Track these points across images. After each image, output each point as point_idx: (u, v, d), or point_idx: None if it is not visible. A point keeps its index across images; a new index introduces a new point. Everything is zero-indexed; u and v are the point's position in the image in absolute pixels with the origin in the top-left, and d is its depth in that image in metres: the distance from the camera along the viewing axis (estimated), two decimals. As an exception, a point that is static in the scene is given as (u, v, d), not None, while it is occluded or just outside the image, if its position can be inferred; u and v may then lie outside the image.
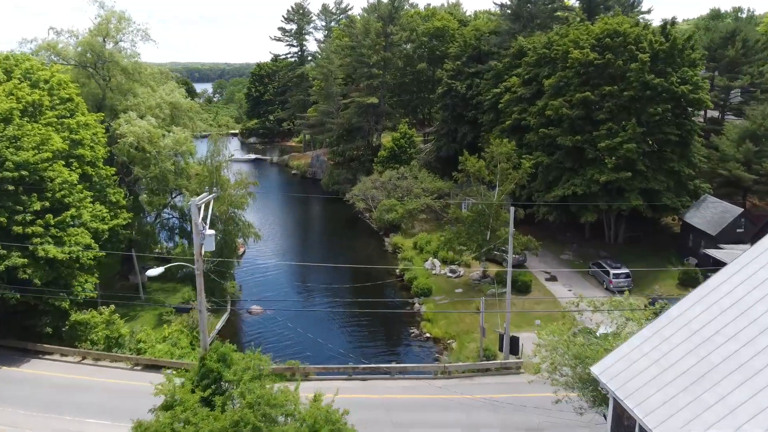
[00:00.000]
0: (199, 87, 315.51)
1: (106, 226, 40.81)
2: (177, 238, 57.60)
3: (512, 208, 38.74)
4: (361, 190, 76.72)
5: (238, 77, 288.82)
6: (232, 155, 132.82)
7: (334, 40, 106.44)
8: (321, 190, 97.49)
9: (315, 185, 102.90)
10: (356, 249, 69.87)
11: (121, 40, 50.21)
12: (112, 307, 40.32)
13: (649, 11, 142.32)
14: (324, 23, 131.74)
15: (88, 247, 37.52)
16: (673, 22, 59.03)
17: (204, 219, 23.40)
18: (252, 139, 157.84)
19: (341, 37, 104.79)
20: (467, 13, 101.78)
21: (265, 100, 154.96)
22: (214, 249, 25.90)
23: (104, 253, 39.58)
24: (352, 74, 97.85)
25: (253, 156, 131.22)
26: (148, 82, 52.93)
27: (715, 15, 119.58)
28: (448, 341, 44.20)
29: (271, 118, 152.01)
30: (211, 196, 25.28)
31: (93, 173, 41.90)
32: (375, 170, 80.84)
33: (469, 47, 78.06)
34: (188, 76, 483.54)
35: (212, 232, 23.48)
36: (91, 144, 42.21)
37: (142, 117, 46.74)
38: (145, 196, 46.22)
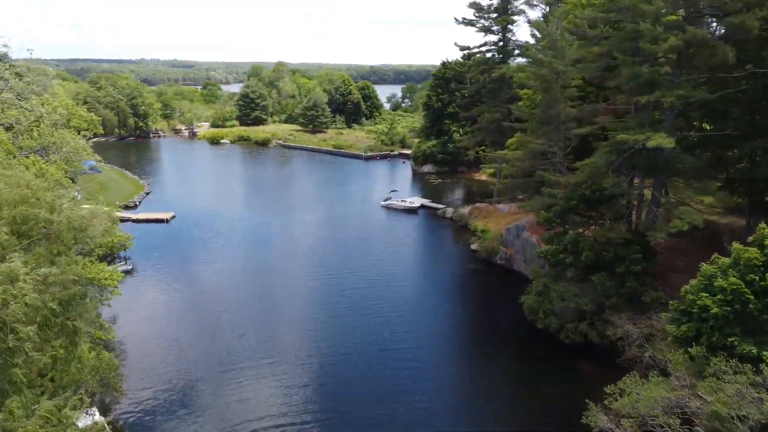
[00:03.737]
0: (388, 90, 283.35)
1: None
2: None
3: None
4: (634, 406, 26.90)
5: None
6: (389, 198, 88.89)
7: (567, 14, 55.86)
8: (518, 309, 48.50)
9: (508, 285, 54.27)
10: None
11: None
12: None
13: None
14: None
15: None
16: None
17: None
18: (426, 168, 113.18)
19: (582, 7, 54.25)
20: None
21: (449, 113, 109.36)
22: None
23: None
24: (604, 79, 47.42)
25: (417, 202, 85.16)
26: None
27: None
28: None
29: (455, 138, 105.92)
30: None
31: None
32: (672, 343, 30.04)
33: None
34: (395, 79, 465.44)
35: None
36: None
37: None
38: None
